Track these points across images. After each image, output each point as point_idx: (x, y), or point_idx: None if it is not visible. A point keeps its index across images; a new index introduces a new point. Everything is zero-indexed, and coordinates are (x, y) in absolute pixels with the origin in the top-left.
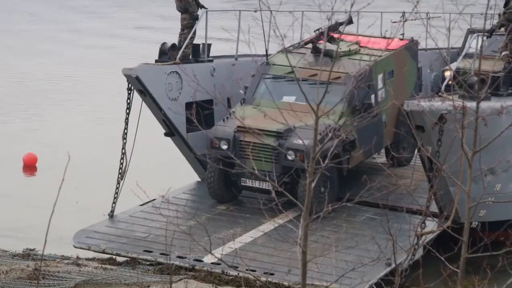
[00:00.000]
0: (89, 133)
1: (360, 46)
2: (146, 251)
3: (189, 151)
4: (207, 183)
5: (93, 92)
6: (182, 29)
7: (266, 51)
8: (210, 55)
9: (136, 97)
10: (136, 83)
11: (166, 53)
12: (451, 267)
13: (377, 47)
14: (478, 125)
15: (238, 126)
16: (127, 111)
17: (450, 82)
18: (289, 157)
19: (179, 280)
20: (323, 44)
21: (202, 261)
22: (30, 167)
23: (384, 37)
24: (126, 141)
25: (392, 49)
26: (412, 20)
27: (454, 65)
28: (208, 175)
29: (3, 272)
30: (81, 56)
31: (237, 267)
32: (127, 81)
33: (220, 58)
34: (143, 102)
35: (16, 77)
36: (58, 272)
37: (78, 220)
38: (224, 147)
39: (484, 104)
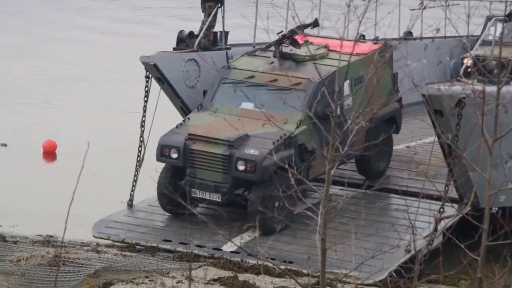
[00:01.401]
0: (108, 121)
1: (330, 50)
2: (166, 240)
3: None
4: (157, 194)
5: (112, 80)
6: (208, 16)
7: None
8: (228, 43)
9: (154, 85)
10: (154, 71)
11: (183, 41)
12: (471, 254)
13: (348, 52)
14: (498, 111)
15: (189, 134)
16: (145, 99)
17: (470, 69)
18: (240, 168)
19: (199, 267)
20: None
21: (221, 249)
22: (50, 154)
23: (358, 40)
24: (144, 129)
25: (362, 54)
26: (430, 8)
27: (473, 52)
28: (158, 186)
29: (23, 258)
30: (100, 43)
31: (256, 255)
32: (145, 68)
33: (238, 46)
34: (161, 90)
35: (36, 65)
36: (78, 258)
37: (97, 208)
38: (174, 155)
39: (504, 89)
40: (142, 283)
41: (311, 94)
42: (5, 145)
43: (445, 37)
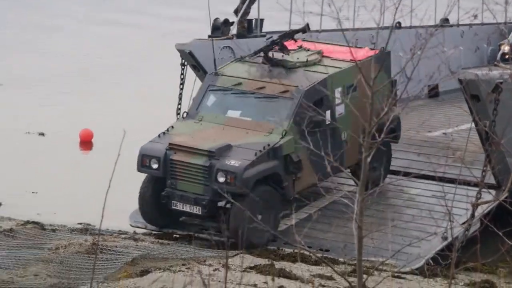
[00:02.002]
0: (144, 109)
1: (323, 56)
2: (202, 228)
3: None
4: (138, 203)
5: (147, 69)
6: (243, 3)
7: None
8: (263, 30)
9: (190, 73)
10: (190, 58)
11: (219, 28)
12: (509, 242)
13: (342, 58)
14: None
15: (170, 144)
16: (181, 86)
17: (507, 55)
18: (220, 179)
19: (235, 255)
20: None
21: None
22: (86, 143)
23: (355, 47)
24: (180, 116)
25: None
26: None
27: (510, 38)
28: (139, 198)
29: (62, 246)
30: (135, 32)
31: (292, 244)
32: (181, 56)
33: (273, 33)
34: (196, 77)
35: (73, 53)
36: (116, 246)
37: (134, 196)
38: (154, 166)
39: None
40: (179, 270)
41: (299, 102)
42: (42, 134)
43: (482, 24)
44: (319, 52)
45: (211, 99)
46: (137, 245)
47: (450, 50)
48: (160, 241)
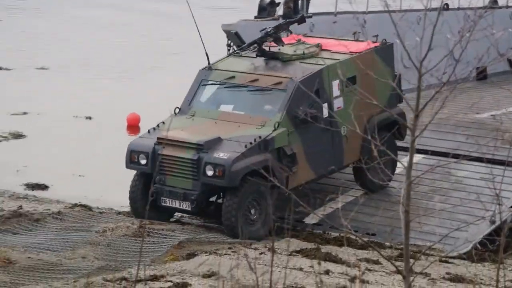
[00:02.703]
0: None
1: (322, 49)
2: None
3: None
4: (129, 199)
5: (192, 52)
6: None
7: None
8: (309, 11)
9: None
10: (235, 39)
11: (265, 9)
12: None
13: (342, 51)
14: None
15: (158, 138)
16: None
17: None
18: (208, 173)
19: (281, 239)
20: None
21: (304, 222)
22: (133, 127)
23: (356, 40)
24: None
25: (356, 52)
26: None
27: None
28: (129, 196)
29: (109, 229)
30: (182, 14)
31: (338, 228)
32: (227, 37)
33: (319, 15)
34: None
35: (122, 37)
36: (162, 229)
37: None
38: (143, 161)
39: None
40: (225, 254)
41: (292, 94)
42: (90, 118)
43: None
44: (318, 45)
45: (203, 94)
46: (183, 229)
47: (499, 32)
48: (206, 224)
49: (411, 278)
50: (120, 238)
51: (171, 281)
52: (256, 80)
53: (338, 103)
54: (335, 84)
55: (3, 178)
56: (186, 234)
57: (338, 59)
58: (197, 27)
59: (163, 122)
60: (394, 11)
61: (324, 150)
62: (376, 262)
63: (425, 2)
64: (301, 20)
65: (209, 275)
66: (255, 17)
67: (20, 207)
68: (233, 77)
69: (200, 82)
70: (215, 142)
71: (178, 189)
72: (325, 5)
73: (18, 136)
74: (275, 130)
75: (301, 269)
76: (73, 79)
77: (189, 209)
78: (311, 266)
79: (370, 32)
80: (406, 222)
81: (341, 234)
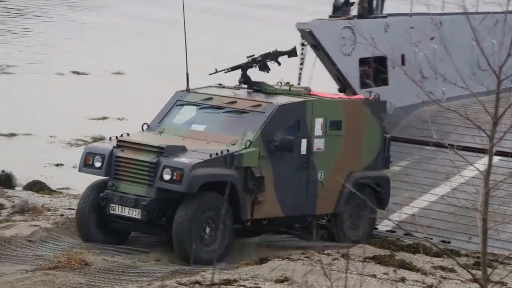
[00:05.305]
0: None
1: (310, 94)
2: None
3: None
4: (76, 216)
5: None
6: None
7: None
8: (384, 11)
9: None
10: (310, 38)
11: (339, 8)
12: None
13: (331, 97)
14: None
15: (118, 140)
16: (300, 66)
17: None
18: (165, 177)
19: (355, 245)
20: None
21: (377, 228)
22: None
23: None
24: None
25: (344, 98)
26: None
27: None
28: (78, 207)
29: None
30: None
31: (413, 235)
32: (301, 35)
33: (394, 15)
34: (316, 57)
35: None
36: None
37: None
38: (97, 164)
39: None
40: (298, 259)
41: (270, 116)
42: None
43: None
44: (307, 88)
45: (176, 113)
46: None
47: None
48: (278, 228)
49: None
50: None
51: (244, 286)
52: (234, 102)
53: (318, 144)
54: (318, 122)
55: (82, 183)
56: (257, 238)
57: (323, 97)
58: (185, 38)
59: (128, 134)
60: (471, 13)
61: (296, 189)
62: (452, 270)
63: (504, 7)
64: (292, 53)
65: (282, 280)
66: (330, 17)
67: None
68: (210, 98)
69: (175, 103)
70: (178, 149)
71: (130, 195)
72: (400, 5)
73: (98, 140)
74: (245, 148)
75: (374, 276)
76: (151, 83)
77: (139, 217)
78: (385, 273)
79: (446, 35)
80: (483, 230)
81: (416, 241)
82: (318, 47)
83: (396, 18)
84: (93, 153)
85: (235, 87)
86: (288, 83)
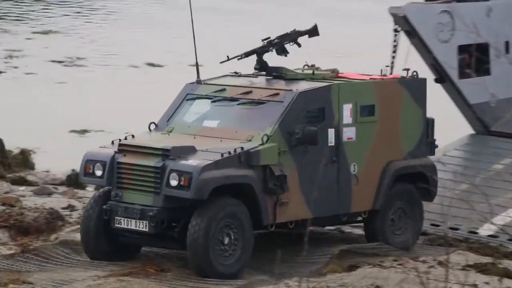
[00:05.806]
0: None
1: (339, 77)
2: None
3: (461, 99)
4: (80, 230)
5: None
6: None
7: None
8: None
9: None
10: (404, 23)
11: None
12: None
13: (361, 78)
14: None
15: (120, 144)
16: (393, 54)
17: None
18: (172, 183)
19: (452, 251)
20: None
21: (477, 233)
22: None
23: (385, 75)
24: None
25: (376, 79)
26: None
27: None
28: (82, 220)
29: None
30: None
31: None
32: (394, 21)
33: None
34: (410, 44)
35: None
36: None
37: None
38: (98, 172)
39: None
40: (390, 266)
41: (289, 105)
42: None
43: None
44: (334, 71)
45: (186, 109)
46: (343, 238)
47: None
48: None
49: None
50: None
51: None
52: (249, 92)
53: (348, 133)
54: (347, 108)
55: None
56: (346, 244)
57: (351, 79)
58: (193, 33)
59: (133, 136)
60: (318, 68)
61: (326, 186)
62: None
63: None
64: (313, 32)
65: None
66: (426, 0)
67: None
68: (223, 90)
69: (184, 97)
70: (186, 150)
71: (136, 205)
72: None
73: None
74: (262, 144)
75: (475, 285)
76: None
77: (147, 229)
78: (487, 283)
79: None
80: None
81: None
82: (412, 34)
83: (500, 1)
84: (93, 160)
85: (252, 75)
86: (313, 65)
